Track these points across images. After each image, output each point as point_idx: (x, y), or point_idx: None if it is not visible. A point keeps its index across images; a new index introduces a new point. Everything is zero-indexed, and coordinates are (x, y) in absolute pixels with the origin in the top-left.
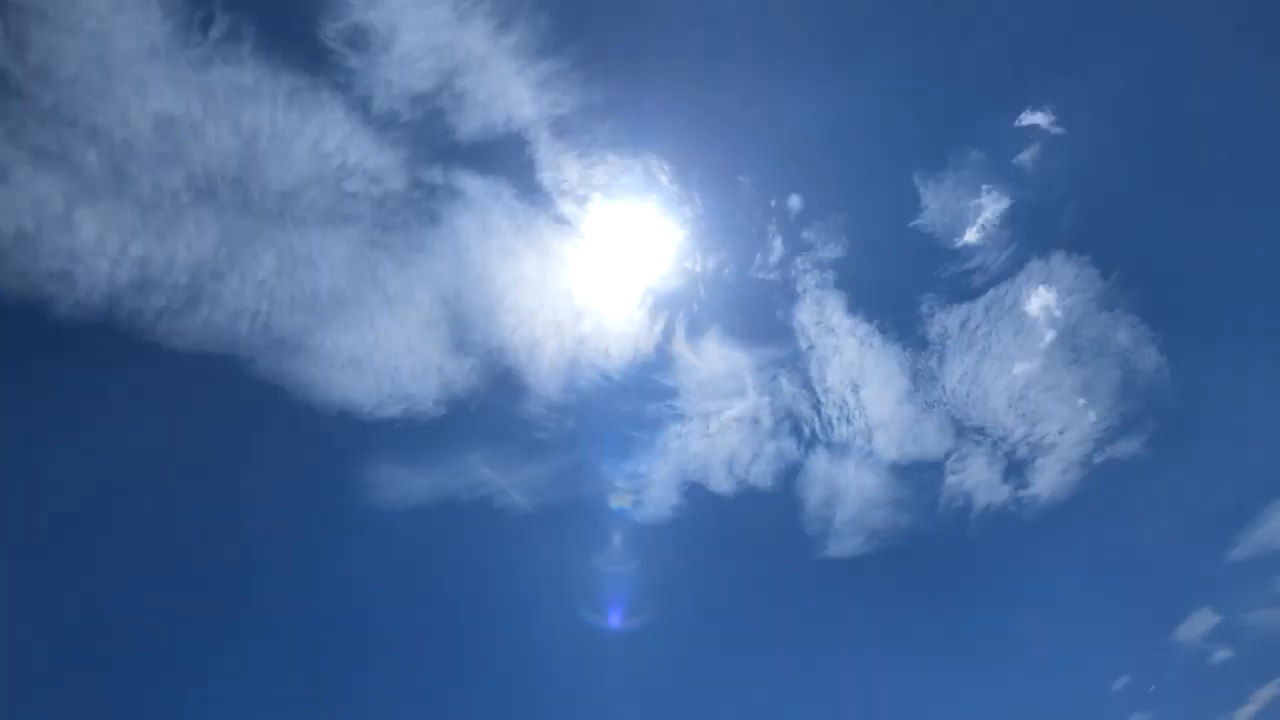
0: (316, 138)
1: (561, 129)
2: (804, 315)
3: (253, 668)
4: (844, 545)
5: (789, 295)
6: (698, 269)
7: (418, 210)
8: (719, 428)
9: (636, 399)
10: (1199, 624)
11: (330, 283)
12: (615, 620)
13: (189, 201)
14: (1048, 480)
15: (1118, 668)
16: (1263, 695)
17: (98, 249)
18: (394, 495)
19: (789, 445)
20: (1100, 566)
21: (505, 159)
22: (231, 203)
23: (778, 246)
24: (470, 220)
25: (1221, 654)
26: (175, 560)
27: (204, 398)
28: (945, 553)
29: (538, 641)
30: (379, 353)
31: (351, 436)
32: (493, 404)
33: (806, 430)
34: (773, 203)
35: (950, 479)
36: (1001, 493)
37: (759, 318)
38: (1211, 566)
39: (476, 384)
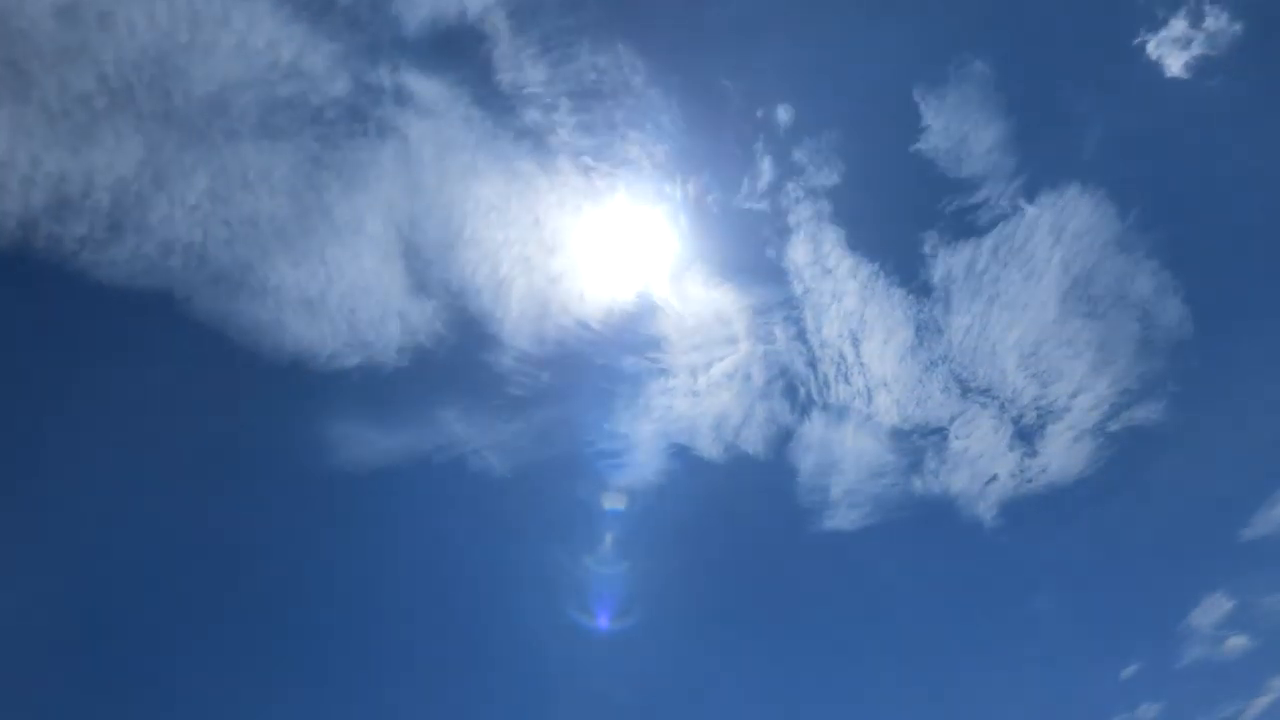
0: (243, 30)
1: (524, 18)
2: (798, 254)
3: (188, 650)
4: (842, 517)
5: (780, 229)
6: (678, 194)
7: (363, 121)
8: (707, 384)
9: (616, 350)
10: (1212, 609)
11: (271, 208)
12: (596, 594)
13: (104, 108)
14: (1057, 450)
15: (1127, 655)
16: None
17: (7, 162)
18: (357, 456)
19: (782, 405)
20: (1110, 545)
21: (460, 56)
22: (152, 111)
23: (767, 169)
24: (423, 132)
25: (1236, 641)
26: (98, 529)
27: (137, 341)
28: (947, 527)
29: (513, 615)
30: (332, 293)
31: (306, 389)
32: (460, 355)
33: (802, 390)
34: (760, 113)
35: (955, 444)
36: (1008, 462)
37: (748, 255)
38: (1226, 546)
39: (441, 331)
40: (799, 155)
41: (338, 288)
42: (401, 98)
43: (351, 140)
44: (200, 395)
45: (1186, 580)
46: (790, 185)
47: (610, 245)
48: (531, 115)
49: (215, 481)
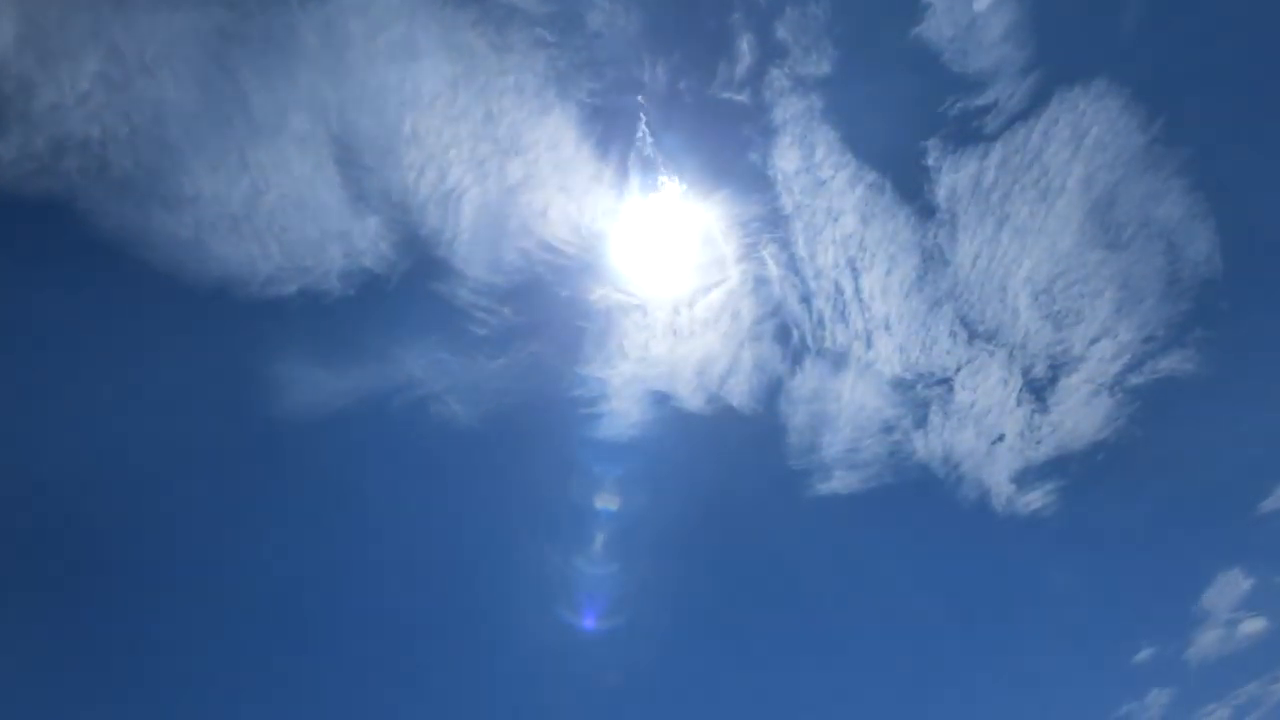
0: None
1: None
2: (786, 160)
3: (98, 616)
4: (839, 481)
5: (765, 128)
6: (644, 78)
7: None
8: (690, 322)
9: (586, 279)
10: (1229, 588)
11: (178, 98)
12: (566, 563)
13: None
14: (1071, 406)
15: (1137, 637)
16: None
17: None
18: (302, 399)
19: (774, 349)
20: (1122, 515)
21: None
22: None
23: (746, 49)
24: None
25: (1254, 623)
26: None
27: (32, 259)
28: (950, 493)
29: (476, 580)
30: (260, 206)
31: (238, 320)
32: (411, 282)
33: (795, 332)
34: None
35: (961, 396)
36: (1016, 420)
37: (727, 159)
38: (1245, 519)
39: (388, 254)
40: (783, 32)
41: (266, 199)
42: None
43: (265, 7)
44: (112, 326)
45: (1201, 556)
46: (774, 72)
47: (573, 144)
48: None
49: (133, 429)
